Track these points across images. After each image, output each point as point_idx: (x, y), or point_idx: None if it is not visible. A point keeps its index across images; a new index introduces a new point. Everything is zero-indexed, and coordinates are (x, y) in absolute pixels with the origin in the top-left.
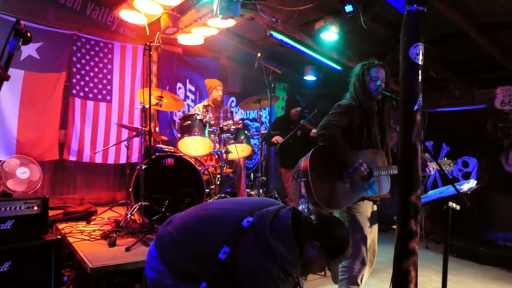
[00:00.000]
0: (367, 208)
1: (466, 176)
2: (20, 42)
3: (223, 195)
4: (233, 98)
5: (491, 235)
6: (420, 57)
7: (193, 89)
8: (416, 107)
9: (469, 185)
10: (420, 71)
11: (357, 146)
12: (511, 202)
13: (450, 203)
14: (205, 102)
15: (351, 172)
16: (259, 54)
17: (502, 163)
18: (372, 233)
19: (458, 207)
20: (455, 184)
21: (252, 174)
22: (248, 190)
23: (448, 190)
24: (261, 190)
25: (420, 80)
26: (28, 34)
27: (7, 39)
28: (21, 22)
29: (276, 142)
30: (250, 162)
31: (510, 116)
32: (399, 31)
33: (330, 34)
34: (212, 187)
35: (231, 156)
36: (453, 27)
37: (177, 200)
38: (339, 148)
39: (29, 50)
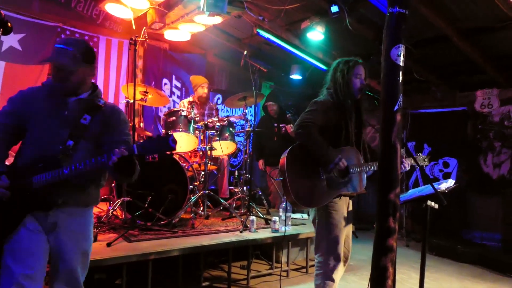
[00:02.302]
0: (344, 205)
1: (447, 176)
2: (0, 32)
3: (206, 191)
4: (219, 95)
5: (470, 234)
6: (401, 58)
7: (179, 85)
8: (396, 107)
9: (447, 184)
10: (400, 72)
11: (334, 143)
12: (488, 202)
13: (429, 202)
14: (190, 99)
15: (331, 168)
16: (245, 52)
17: (481, 164)
18: (347, 228)
19: (436, 206)
20: (434, 183)
21: (236, 171)
22: (232, 187)
23: (427, 189)
24: (245, 188)
25: (400, 81)
26: (9, 24)
27: None
28: (1, 11)
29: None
30: (235, 160)
31: (489, 118)
32: (382, 32)
33: (316, 34)
34: (196, 183)
35: (215, 153)
36: (436, 31)
37: (160, 196)
38: (317, 146)
39: (10, 41)
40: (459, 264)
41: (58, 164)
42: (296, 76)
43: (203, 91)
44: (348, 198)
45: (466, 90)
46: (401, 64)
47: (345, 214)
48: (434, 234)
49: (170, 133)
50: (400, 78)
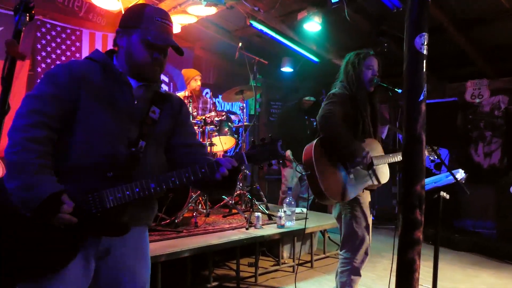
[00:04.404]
0: (367, 198)
1: (438, 167)
2: (27, 18)
3: None
4: (207, 90)
5: (461, 222)
6: (425, 47)
7: (166, 79)
8: (421, 98)
9: (460, 175)
10: (424, 61)
11: (354, 135)
12: (479, 191)
13: (442, 193)
14: (185, 93)
15: (358, 161)
16: (240, 44)
17: (472, 154)
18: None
19: (448, 196)
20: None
21: None
22: None
23: (443, 179)
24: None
25: (424, 70)
26: (33, 11)
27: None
28: None
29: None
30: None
31: (479, 109)
32: (379, 23)
33: (313, 25)
34: None
35: (215, 149)
36: (431, 22)
37: (161, 195)
38: (343, 138)
39: None
40: (456, 253)
41: (129, 173)
42: (287, 69)
43: (196, 84)
44: (369, 191)
45: (455, 82)
46: (425, 52)
47: (369, 207)
48: (428, 223)
49: (276, 138)
50: (424, 67)
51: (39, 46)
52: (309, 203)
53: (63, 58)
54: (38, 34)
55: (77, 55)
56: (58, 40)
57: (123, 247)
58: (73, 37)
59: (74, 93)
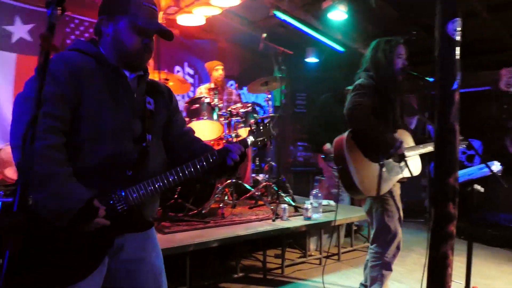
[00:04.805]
0: (398, 191)
1: (470, 159)
2: (60, 11)
3: (234, 180)
4: (232, 82)
5: (495, 216)
6: (458, 33)
7: (191, 72)
8: (454, 86)
9: (495, 167)
10: (458, 48)
11: (383, 128)
12: None
13: (475, 185)
14: (210, 85)
15: (392, 153)
16: (264, 35)
17: (507, 145)
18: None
19: (482, 190)
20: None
21: (257, 158)
22: (254, 175)
23: (477, 172)
24: (267, 176)
25: (458, 57)
26: (65, 4)
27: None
28: None
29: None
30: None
31: None
32: (408, 11)
33: (338, 14)
34: None
35: None
36: (463, 7)
37: (188, 187)
38: (375, 130)
39: (21, 33)
40: (490, 248)
41: (145, 168)
42: (311, 59)
43: (217, 73)
44: (399, 184)
45: (489, 69)
46: (458, 39)
47: (399, 200)
48: (459, 217)
49: (267, 118)
50: (458, 54)
51: (68, 41)
52: None
53: None
54: (67, 30)
55: None
56: (86, 35)
57: (135, 241)
58: None
59: (76, 89)
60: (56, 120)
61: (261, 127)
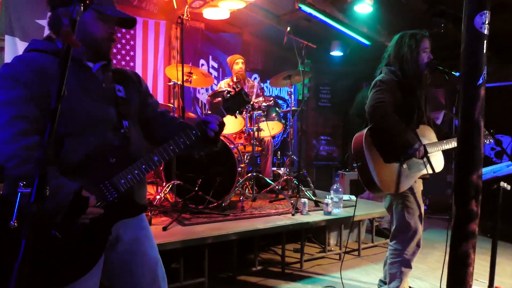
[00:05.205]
0: (419, 187)
1: (499, 155)
2: (82, 8)
3: (255, 174)
4: (255, 75)
5: None
6: (486, 26)
7: (216, 65)
8: (480, 81)
9: None
10: (485, 42)
11: (407, 124)
12: None
13: (502, 183)
14: (232, 79)
15: (411, 153)
16: (288, 28)
17: None
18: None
19: (509, 187)
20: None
21: (278, 152)
22: (275, 168)
23: (504, 169)
24: (287, 170)
25: (485, 52)
26: (87, 0)
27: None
28: None
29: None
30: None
31: None
32: (435, 2)
33: (364, 7)
34: (242, 165)
35: (261, 134)
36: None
37: (209, 179)
38: (396, 128)
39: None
40: None
41: (127, 154)
42: (336, 53)
43: (238, 66)
44: (421, 180)
45: None
46: (486, 32)
47: (421, 197)
48: (484, 214)
49: (239, 87)
50: (485, 48)
51: None
52: None
53: (119, 46)
54: None
55: (132, 42)
56: (119, 35)
57: (130, 231)
58: None
59: (43, 87)
60: (27, 122)
61: (235, 95)
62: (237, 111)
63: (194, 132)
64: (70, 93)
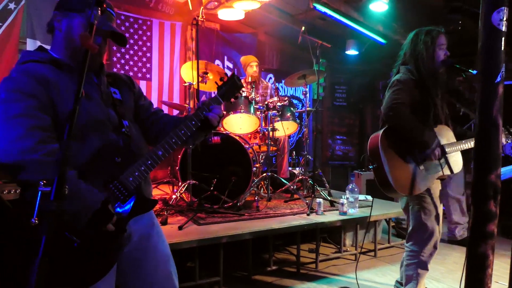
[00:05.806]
0: (437, 188)
1: None
2: (99, 12)
3: (270, 173)
4: (270, 75)
5: None
6: (504, 22)
7: (231, 66)
8: (498, 79)
9: None
10: (503, 39)
11: (423, 123)
12: None
13: None
14: (246, 80)
15: (428, 154)
16: (303, 28)
17: None
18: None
19: None
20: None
21: (294, 152)
22: (291, 168)
23: None
24: (302, 169)
25: (502, 48)
26: (104, 4)
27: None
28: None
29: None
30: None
31: None
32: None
33: (379, 5)
34: (257, 165)
35: (276, 134)
36: None
37: (224, 179)
38: (413, 129)
39: None
40: None
41: (131, 152)
42: (352, 52)
43: (252, 70)
44: (439, 180)
45: None
46: (503, 29)
47: (438, 197)
48: (506, 216)
49: (230, 74)
50: (502, 46)
51: None
52: None
53: (136, 48)
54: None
55: (148, 44)
56: (131, 30)
57: (141, 228)
58: (144, 27)
59: (47, 96)
60: (44, 131)
61: (227, 81)
62: (232, 97)
63: (193, 122)
64: (70, 98)
